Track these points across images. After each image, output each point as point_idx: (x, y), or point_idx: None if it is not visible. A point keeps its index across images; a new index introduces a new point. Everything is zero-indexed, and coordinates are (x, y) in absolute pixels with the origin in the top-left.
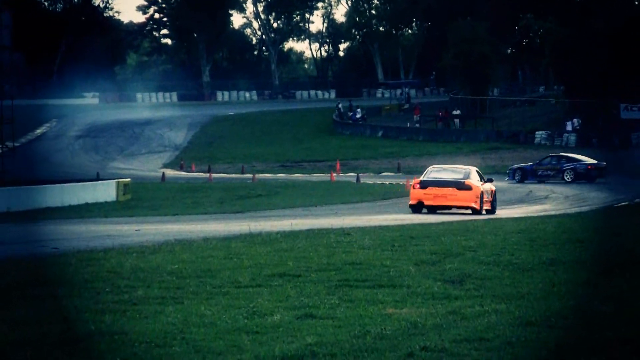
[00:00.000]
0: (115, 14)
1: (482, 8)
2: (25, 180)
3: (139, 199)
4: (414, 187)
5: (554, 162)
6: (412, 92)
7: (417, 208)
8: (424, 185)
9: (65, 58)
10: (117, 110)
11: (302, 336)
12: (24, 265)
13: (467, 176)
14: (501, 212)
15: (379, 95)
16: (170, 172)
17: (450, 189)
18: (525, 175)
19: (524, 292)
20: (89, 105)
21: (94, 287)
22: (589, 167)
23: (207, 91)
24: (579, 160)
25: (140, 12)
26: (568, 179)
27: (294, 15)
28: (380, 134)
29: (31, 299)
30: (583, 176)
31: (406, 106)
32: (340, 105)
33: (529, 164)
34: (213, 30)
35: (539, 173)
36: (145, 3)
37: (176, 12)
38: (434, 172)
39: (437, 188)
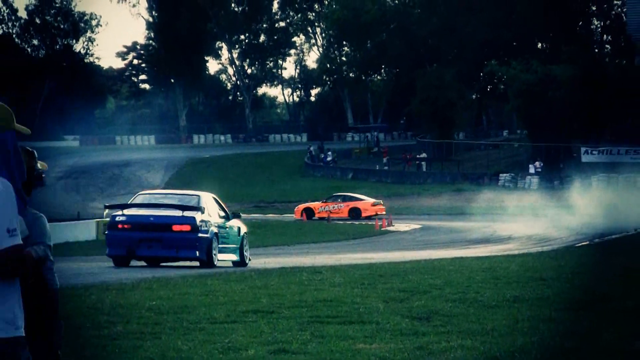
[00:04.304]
0: (96, 60)
1: (448, 55)
2: None
3: None
4: None
5: None
6: (381, 135)
7: None
8: None
9: (48, 102)
10: (97, 152)
11: None
12: None
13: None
14: (467, 252)
15: (349, 138)
16: None
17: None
18: None
19: (488, 328)
20: (70, 147)
21: (75, 323)
22: None
23: (184, 134)
24: None
25: (120, 59)
26: None
27: (268, 62)
28: (350, 175)
29: None
30: None
31: (375, 149)
32: (311, 148)
33: None
34: (190, 75)
35: None
36: (125, 50)
37: (154, 58)
38: None
39: None
